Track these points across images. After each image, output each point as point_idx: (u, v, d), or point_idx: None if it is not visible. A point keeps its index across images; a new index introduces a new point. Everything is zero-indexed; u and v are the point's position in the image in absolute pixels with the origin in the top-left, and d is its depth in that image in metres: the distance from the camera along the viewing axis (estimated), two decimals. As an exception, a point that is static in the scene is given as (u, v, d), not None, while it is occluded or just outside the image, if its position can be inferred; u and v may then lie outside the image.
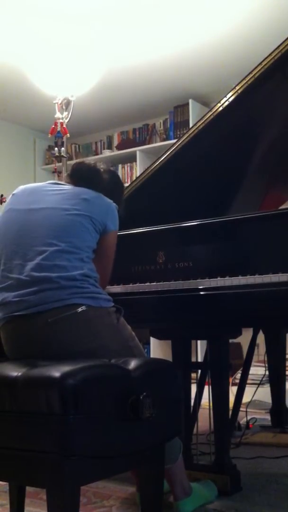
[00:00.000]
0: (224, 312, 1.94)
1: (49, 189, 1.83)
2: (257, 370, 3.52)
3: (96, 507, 1.90)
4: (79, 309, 1.60)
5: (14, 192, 1.86)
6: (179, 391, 1.67)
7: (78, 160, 2.01)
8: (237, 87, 2.34)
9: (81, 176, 1.92)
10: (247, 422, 2.92)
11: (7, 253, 1.70)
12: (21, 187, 1.88)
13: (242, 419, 2.91)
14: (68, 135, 4.20)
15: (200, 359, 4.29)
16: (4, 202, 2.59)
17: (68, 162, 4.22)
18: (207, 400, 2.06)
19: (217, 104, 2.40)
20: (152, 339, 5.24)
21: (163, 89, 5.36)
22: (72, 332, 1.60)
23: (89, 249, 1.73)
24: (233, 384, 2.95)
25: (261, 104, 2.46)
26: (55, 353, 1.57)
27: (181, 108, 5.61)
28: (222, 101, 2.38)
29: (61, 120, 4.19)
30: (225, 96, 2.37)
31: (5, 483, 1.96)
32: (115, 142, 6.27)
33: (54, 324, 1.59)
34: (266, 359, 3.00)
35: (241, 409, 2.63)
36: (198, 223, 2.11)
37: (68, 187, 1.86)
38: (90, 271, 1.69)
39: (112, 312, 1.70)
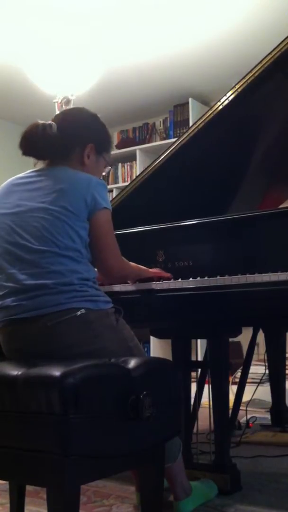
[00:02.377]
0: (224, 311, 1.94)
1: (24, 182, 1.74)
2: (257, 369, 3.52)
3: (96, 506, 1.90)
4: (78, 313, 1.59)
5: None
6: (179, 391, 1.67)
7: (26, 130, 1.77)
8: (237, 86, 2.34)
9: (26, 146, 1.75)
10: (247, 421, 2.92)
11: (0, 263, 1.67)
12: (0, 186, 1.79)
13: (242, 418, 2.92)
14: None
15: (200, 358, 4.28)
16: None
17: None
18: (207, 399, 2.06)
19: (217, 103, 2.40)
20: (152, 339, 5.24)
21: (163, 88, 5.36)
22: (71, 335, 1.59)
23: (81, 245, 1.66)
24: (233, 383, 2.95)
25: (261, 103, 2.46)
26: (54, 355, 1.56)
27: (181, 107, 5.61)
28: (222, 100, 2.38)
29: (61, 120, 4.18)
30: (225, 95, 2.37)
31: (5, 482, 1.96)
32: (115, 141, 6.27)
33: (54, 327, 1.58)
34: (266, 358, 3.00)
35: (241, 408, 2.63)
36: (198, 222, 2.11)
37: (40, 178, 1.73)
38: (87, 272, 1.66)
39: (111, 313, 1.69)
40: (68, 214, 1.63)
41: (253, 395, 3.01)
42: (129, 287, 2.09)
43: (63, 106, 4.29)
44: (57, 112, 4.26)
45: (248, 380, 2.55)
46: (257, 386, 3.05)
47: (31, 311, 1.59)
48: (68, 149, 1.79)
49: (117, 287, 2.13)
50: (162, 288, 2.01)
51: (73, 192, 1.66)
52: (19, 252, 1.63)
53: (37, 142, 1.74)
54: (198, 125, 2.42)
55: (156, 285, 2.02)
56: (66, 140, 1.77)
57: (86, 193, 1.66)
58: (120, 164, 6.08)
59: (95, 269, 1.77)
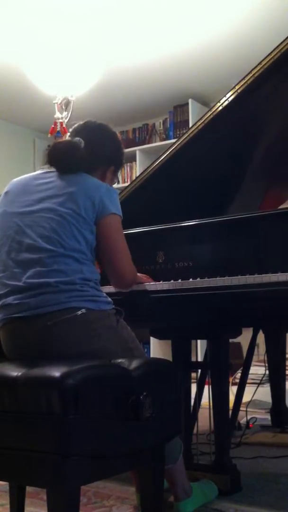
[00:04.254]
0: (224, 312, 1.94)
1: (38, 183, 1.75)
2: (257, 370, 3.52)
3: (96, 507, 1.90)
4: (79, 312, 1.59)
5: (6, 190, 1.80)
6: (179, 391, 1.67)
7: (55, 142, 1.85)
8: (237, 87, 2.34)
9: (58, 162, 1.78)
10: (247, 421, 2.92)
11: (4, 260, 1.68)
12: (13, 183, 1.81)
13: (242, 418, 2.91)
14: (67, 135, 4.19)
15: (200, 359, 4.28)
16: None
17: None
18: (207, 400, 2.06)
19: (216, 103, 2.40)
20: (152, 339, 5.24)
21: (163, 89, 5.36)
22: (71, 335, 1.59)
23: (87, 247, 1.67)
24: (233, 384, 2.95)
25: (261, 104, 2.46)
26: (54, 355, 1.56)
27: (180, 108, 5.61)
28: (222, 101, 2.38)
29: (60, 120, 4.19)
30: (225, 96, 2.37)
31: (5, 483, 1.96)
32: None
33: (54, 327, 1.58)
34: (266, 358, 3.00)
35: (241, 408, 2.63)
36: (198, 222, 2.11)
37: (53, 179, 1.74)
38: (90, 273, 1.67)
39: (112, 314, 1.69)
40: (76, 216, 1.65)
41: (253, 396, 3.01)
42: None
43: (63, 107, 4.29)
44: (57, 113, 4.29)
45: (248, 381, 2.55)
46: (257, 387, 3.05)
47: (32, 309, 1.60)
48: (92, 168, 1.82)
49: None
50: (162, 289, 2.01)
51: (82, 195, 1.68)
52: (25, 251, 1.65)
53: (64, 159, 1.77)
54: (198, 126, 2.42)
55: (156, 286, 2.02)
56: (92, 161, 1.81)
57: (95, 197, 1.68)
58: (120, 165, 6.08)
59: (100, 270, 1.78)
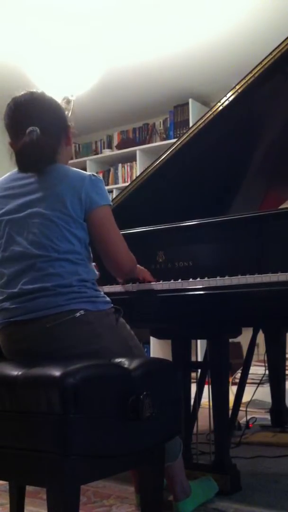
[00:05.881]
0: (224, 312, 1.94)
1: (21, 184, 1.69)
2: (257, 370, 3.53)
3: (96, 506, 1.90)
4: (78, 314, 1.59)
5: None
6: (179, 391, 1.67)
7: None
8: (237, 87, 2.34)
9: (32, 166, 1.68)
10: (247, 421, 2.92)
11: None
12: None
13: (242, 418, 2.91)
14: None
15: (200, 359, 4.28)
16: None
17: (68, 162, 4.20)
18: (207, 400, 2.06)
19: (217, 103, 2.40)
20: (152, 339, 5.24)
21: (163, 89, 5.37)
22: (71, 336, 1.59)
23: (80, 246, 1.65)
24: (233, 384, 2.95)
25: (261, 104, 2.46)
26: (54, 356, 1.56)
27: (181, 108, 5.61)
28: (222, 101, 2.38)
29: (61, 120, 4.19)
30: (225, 96, 2.37)
31: (5, 482, 1.96)
32: (115, 141, 6.28)
33: (53, 329, 1.57)
34: (266, 358, 3.00)
35: (241, 408, 2.63)
36: (198, 222, 2.11)
37: (34, 179, 1.67)
38: (86, 273, 1.66)
39: (110, 313, 1.68)
40: (64, 217, 1.61)
41: (253, 396, 3.01)
42: (129, 287, 2.09)
43: (63, 107, 4.29)
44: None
45: (248, 381, 2.55)
46: (257, 387, 3.05)
47: (30, 313, 1.59)
48: (56, 149, 1.73)
49: (118, 288, 2.13)
50: (162, 289, 2.01)
51: (67, 193, 1.63)
52: (19, 259, 1.62)
53: (36, 162, 1.67)
54: (198, 126, 2.42)
55: (156, 286, 2.02)
56: (52, 140, 1.71)
57: (81, 192, 1.63)
58: (120, 165, 6.08)
59: (97, 270, 1.77)
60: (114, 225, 1.71)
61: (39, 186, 1.66)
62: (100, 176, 1.76)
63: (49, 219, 1.61)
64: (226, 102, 2.37)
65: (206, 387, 2.22)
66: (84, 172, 1.70)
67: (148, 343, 5.34)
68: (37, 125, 1.68)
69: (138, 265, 1.93)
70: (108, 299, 1.71)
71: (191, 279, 1.98)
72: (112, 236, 1.70)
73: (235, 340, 2.17)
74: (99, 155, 6.32)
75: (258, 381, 3.15)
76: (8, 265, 1.64)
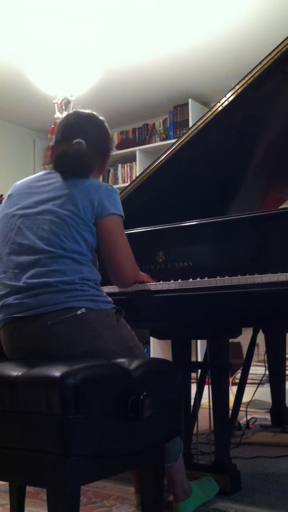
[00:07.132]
0: (224, 312, 1.94)
1: (41, 184, 1.76)
2: (257, 370, 3.53)
3: (96, 506, 1.90)
4: (79, 312, 1.60)
5: (9, 193, 1.81)
6: (179, 391, 1.67)
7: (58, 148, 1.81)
8: (237, 87, 2.34)
9: (67, 168, 1.76)
10: (247, 421, 2.92)
11: (5, 262, 1.69)
12: (16, 185, 1.82)
13: (242, 418, 2.92)
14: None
15: (200, 359, 4.29)
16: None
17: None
18: (207, 400, 2.06)
19: (216, 104, 2.40)
20: (152, 339, 5.24)
21: (163, 89, 5.36)
22: (72, 334, 1.60)
23: (87, 248, 1.68)
24: (233, 384, 2.96)
25: (261, 104, 2.46)
26: (54, 355, 1.57)
27: (180, 108, 5.61)
28: (222, 101, 2.38)
29: (60, 120, 4.18)
30: (225, 96, 2.37)
31: (5, 483, 1.96)
32: (115, 141, 6.27)
33: (54, 326, 1.58)
34: (266, 358, 3.00)
35: (241, 408, 2.64)
36: (197, 222, 2.11)
37: (55, 180, 1.75)
38: (90, 273, 1.67)
39: (112, 314, 1.69)
40: (75, 218, 1.66)
41: (253, 396, 3.02)
42: (129, 287, 2.09)
43: (63, 107, 4.29)
44: (57, 113, 4.28)
45: (248, 381, 2.56)
46: (257, 387, 3.05)
47: (32, 309, 1.60)
48: (92, 164, 1.81)
49: (118, 288, 2.13)
50: (162, 289, 2.01)
51: (81, 196, 1.68)
52: (25, 253, 1.65)
53: (73, 165, 1.75)
54: (198, 126, 2.42)
55: (156, 286, 2.02)
56: (93, 157, 1.80)
57: (94, 198, 1.69)
58: (119, 165, 6.08)
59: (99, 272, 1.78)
60: (123, 235, 1.74)
61: (56, 187, 1.72)
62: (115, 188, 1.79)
63: (60, 217, 1.65)
64: (226, 103, 2.37)
65: (206, 387, 2.23)
66: (102, 182, 1.76)
67: (148, 343, 5.34)
68: (87, 141, 1.80)
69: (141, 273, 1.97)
70: (109, 299, 1.72)
71: (191, 279, 1.98)
72: (120, 245, 1.73)
73: (235, 340, 2.17)
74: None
75: (258, 381, 3.15)
76: (15, 257, 1.67)
